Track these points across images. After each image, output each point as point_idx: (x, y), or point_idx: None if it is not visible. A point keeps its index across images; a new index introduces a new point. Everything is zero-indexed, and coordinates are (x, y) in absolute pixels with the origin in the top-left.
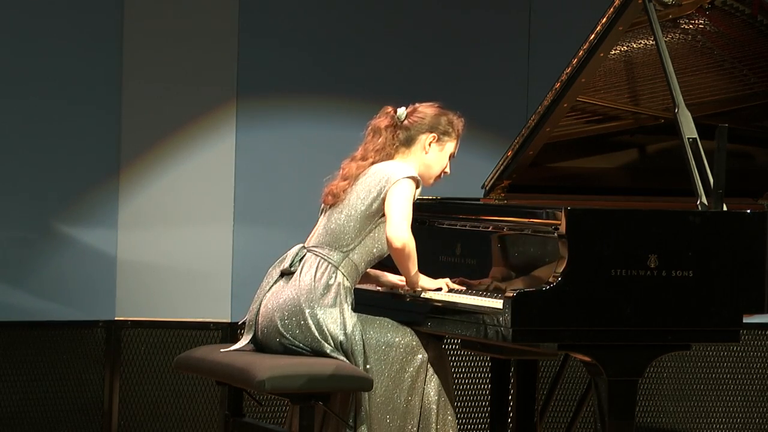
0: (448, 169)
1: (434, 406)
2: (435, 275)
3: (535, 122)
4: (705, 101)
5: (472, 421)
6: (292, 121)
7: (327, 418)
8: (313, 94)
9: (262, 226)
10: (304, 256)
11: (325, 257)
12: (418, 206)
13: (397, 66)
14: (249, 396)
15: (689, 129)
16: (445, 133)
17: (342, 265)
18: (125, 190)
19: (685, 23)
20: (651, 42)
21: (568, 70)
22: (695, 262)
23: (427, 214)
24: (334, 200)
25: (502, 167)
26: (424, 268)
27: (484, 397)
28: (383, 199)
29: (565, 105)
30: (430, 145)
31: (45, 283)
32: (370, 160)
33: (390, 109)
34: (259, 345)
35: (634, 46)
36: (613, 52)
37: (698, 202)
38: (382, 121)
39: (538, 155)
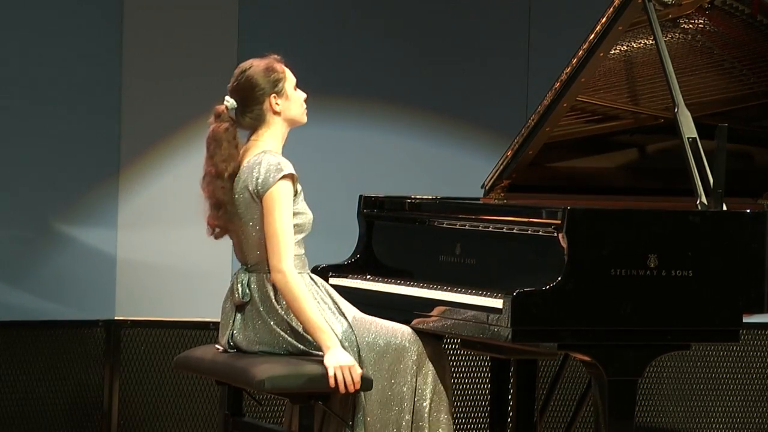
0: (303, 94)
1: (426, 403)
2: (435, 275)
3: (535, 122)
4: (705, 101)
5: (472, 421)
6: None
7: (327, 418)
8: (312, 95)
9: None
10: (249, 280)
11: (266, 271)
12: (418, 206)
13: (397, 66)
14: (249, 396)
15: (689, 129)
16: (278, 82)
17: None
18: (125, 190)
19: (685, 23)
20: (651, 42)
21: (568, 69)
22: (695, 261)
23: (427, 214)
24: (225, 232)
25: (501, 167)
26: (424, 268)
27: (483, 397)
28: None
29: (565, 105)
30: (276, 104)
31: (45, 282)
32: (227, 173)
33: (219, 108)
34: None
35: (634, 45)
36: (612, 51)
37: (698, 202)
38: (218, 126)
39: (537, 155)
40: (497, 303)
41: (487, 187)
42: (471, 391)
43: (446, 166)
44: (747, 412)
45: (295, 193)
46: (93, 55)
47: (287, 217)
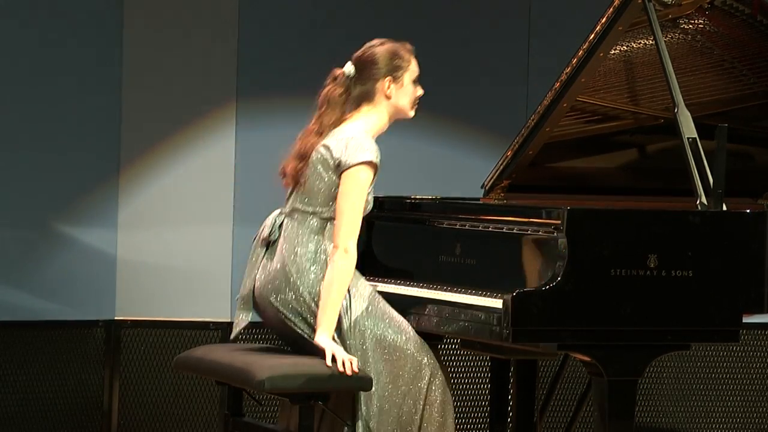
0: (420, 92)
1: (437, 415)
2: (435, 275)
3: (535, 122)
4: (705, 101)
5: (472, 421)
6: (292, 121)
7: (324, 417)
8: (313, 94)
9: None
10: (282, 222)
11: (305, 223)
12: (418, 206)
13: None
14: (249, 396)
15: (689, 129)
16: (398, 69)
17: (327, 229)
18: (125, 190)
19: (685, 23)
20: (651, 42)
21: (568, 69)
22: (695, 262)
23: (427, 214)
24: (293, 183)
25: (501, 167)
26: (424, 269)
27: (483, 397)
28: (340, 177)
29: (565, 105)
30: (389, 88)
31: (45, 283)
32: (325, 134)
33: (337, 71)
34: (266, 320)
35: (634, 46)
36: (612, 52)
37: (698, 202)
38: (333, 89)
39: (537, 155)
40: (497, 303)
41: (487, 188)
42: (471, 391)
43: (446, 166)
44: (747, 413)
45: (372, 182)
46: (93, 55)
47: (362, 199)
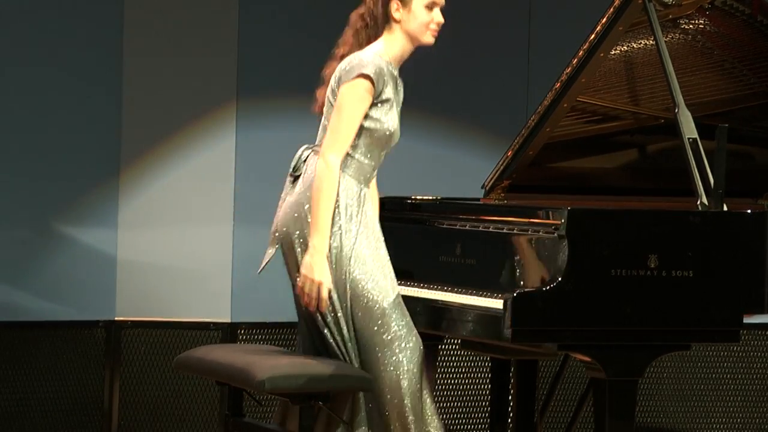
0: (439, 19)
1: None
2: (435, 275)
3: (535, 122)
4: (705, 101)
5: (472, 421)
6: (292, 122)
7: (317, 415)
8: (313, 94)
9: (262, 226)
10: (308, 156)
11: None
12: (418, 206)
13: None
14: (249, 396)
15: (689, 129)
16: None
17: (345, 165)
18: (125, 190)
19: (685, 23)
20: (651, 42)
21: (568, 70)
22: (695, 262)
23: (428, 215)
24: (318, 108)
25: (502, 167)
26: (424, 269)
27: (484, 397)
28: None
29: (565, 105)
30: (398, 11)
31: (45, 283)
32: (339, 56)
33: None
34: (283, 256)
35: (634, 46)
36: (613, 52)
37: (698, 202)
38: (356, 10)
39: (538, 155)
40: (497, 303)
41: (487, 188)
42: (471, 391)
43: (446, 167)
44: (747, 413)
45: (377, 97)
46: (93, 55)
47: (353, 113)
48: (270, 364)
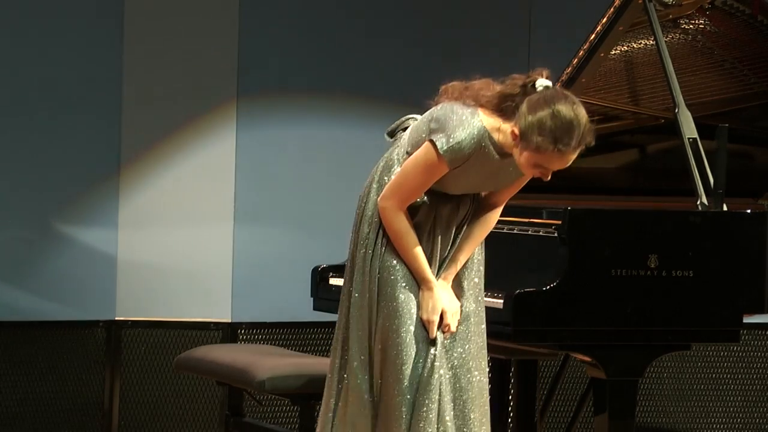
0: (533, 174)
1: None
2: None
3: None
4: (705, 101)
5: None
6: (292, 121)
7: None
8: (313, 94)
9: (262, 226)
10: (407, 127)
11: (394, 151)
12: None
13: (397, 65)
14: (249, 396)
15: (689, 129)
16: (533, 141)
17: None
18: (125, 190)
19: (686, 23)
20: (651, 42)
21: (568, 70)
22: (695, 262)
23: None
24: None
25: None
26: None
27: None
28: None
29: None
30: (515, 134)
31: (45, 283)
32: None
33: (536, 77)
34: None
35: (635, 46)
36: (613, 52)
37: (698, 202)
38: (521, 78)
39: None
40: (498, 303)
41: None
42: None
43: None
44: (747, 413)
45: (455, 165)
46: (93, 55)
47: (419, 174)
48: (270, 364)
